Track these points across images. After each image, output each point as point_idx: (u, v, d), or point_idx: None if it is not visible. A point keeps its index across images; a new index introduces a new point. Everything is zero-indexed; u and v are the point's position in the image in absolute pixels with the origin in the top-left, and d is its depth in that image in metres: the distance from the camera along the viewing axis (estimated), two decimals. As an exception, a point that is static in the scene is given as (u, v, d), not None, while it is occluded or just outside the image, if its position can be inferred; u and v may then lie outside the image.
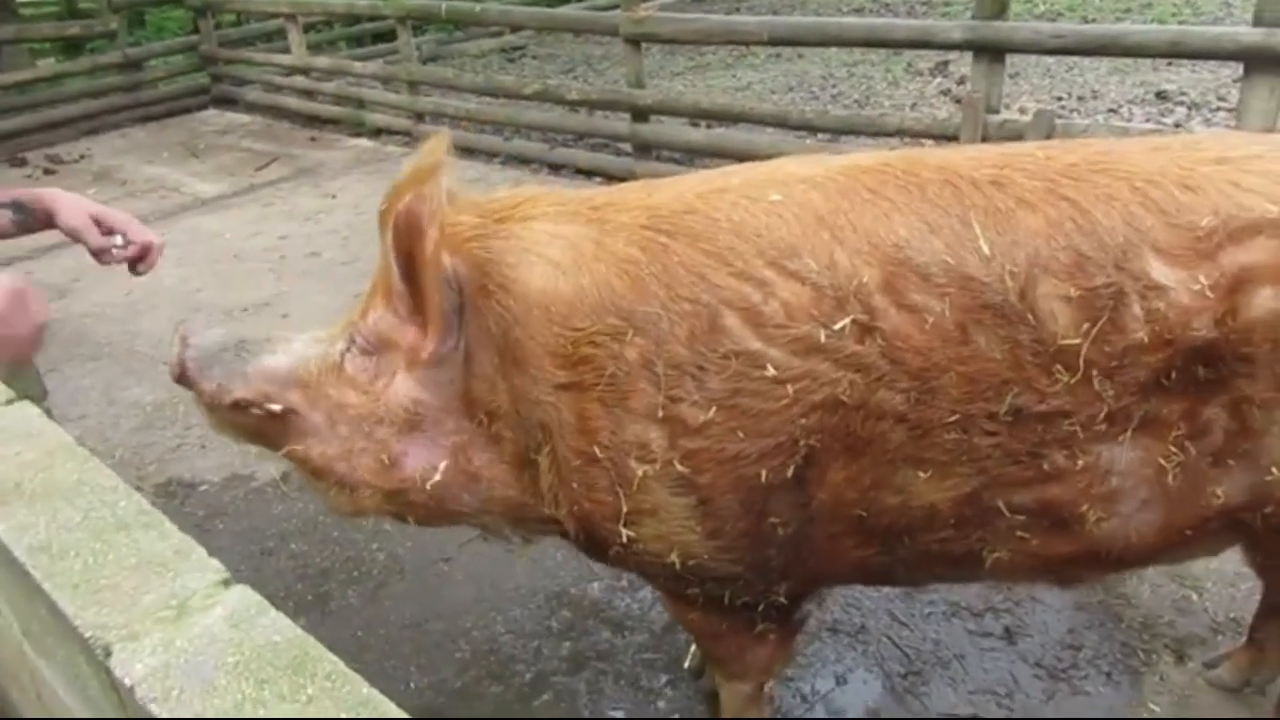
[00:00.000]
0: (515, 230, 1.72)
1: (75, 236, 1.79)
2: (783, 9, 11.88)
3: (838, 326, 1.55)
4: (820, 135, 6.08)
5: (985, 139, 4.84)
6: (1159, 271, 1.52)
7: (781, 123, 5.99)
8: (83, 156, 8.53)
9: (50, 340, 1.95)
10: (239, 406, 1.78)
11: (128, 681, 0.79)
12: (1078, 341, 1.53)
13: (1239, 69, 4.33)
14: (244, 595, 0.88)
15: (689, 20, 6.04)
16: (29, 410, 1.26)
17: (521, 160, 7.29)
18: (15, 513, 1.03)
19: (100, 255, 1.81)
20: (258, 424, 1.80)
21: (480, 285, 1.69)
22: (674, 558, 1.74)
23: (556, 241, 1.70)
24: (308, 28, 9.77)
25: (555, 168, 7.07)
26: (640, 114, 6.47)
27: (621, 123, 6.65)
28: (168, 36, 11.14)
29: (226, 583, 0.91)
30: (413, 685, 2.59)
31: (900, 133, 5.54)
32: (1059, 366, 1.54)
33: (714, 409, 1.59)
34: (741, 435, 1.60)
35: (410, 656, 2.69)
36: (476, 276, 1.69)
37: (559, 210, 1.76)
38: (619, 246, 1.66)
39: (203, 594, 0.90)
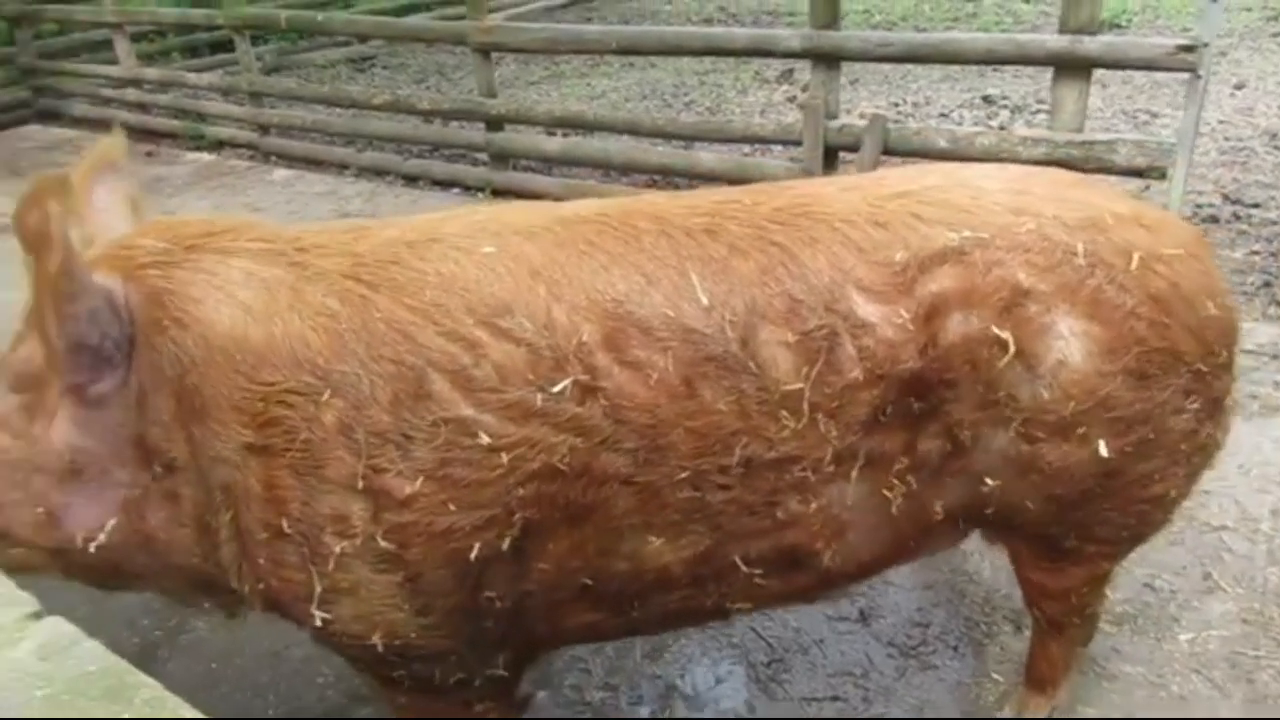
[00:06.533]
0: (207, 263, 1.57)
1: None
2: (633, 19, 12.04)
3: (556, 389, 1.48)
4: (674, 142, 6.19)
5: (826, 143, 5.04)
6: (864, 309, 1.56)
7: (634, 130, 6.09)
8: (-114, 177, 7.87)
9: None
10: None
11: (-76, 724, 0.74)
12: (800, 386, 1.53)
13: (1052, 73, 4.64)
14: (56, 626, 0.85)
15: (537, 30, 6.06)
16: None
17: (376, 172, 7.14)
18: None
19: None
20: None
21: (154, 318, 1.53)
22: (376, 639, 1.60)
23: (251, 282, 1.55)
24: (138, 37, 9.30)
25: (410, 179, 6.96)
26: (494, 123, 6.44)
27: (477, 133, 6.61)
28: (-19, 47, 10.39)
29: (37, 615, 0.88)
30: (270, 713, 2.50)
31: (746, 138, 5.71)
32: (784, 412, 1.54)
33: (421, 480, 1.48)
34: (453, 508, 1.50)
35: (268, 686, 2.59)
36: (151, 308, 1.53)
37: (262, 247, 1.61)
38: (316, 297, 1.53)
39: (11, 628, 0.85)
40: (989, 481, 1.69)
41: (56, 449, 1.56)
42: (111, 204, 1.75)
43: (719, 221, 1.62)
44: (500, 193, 6.42)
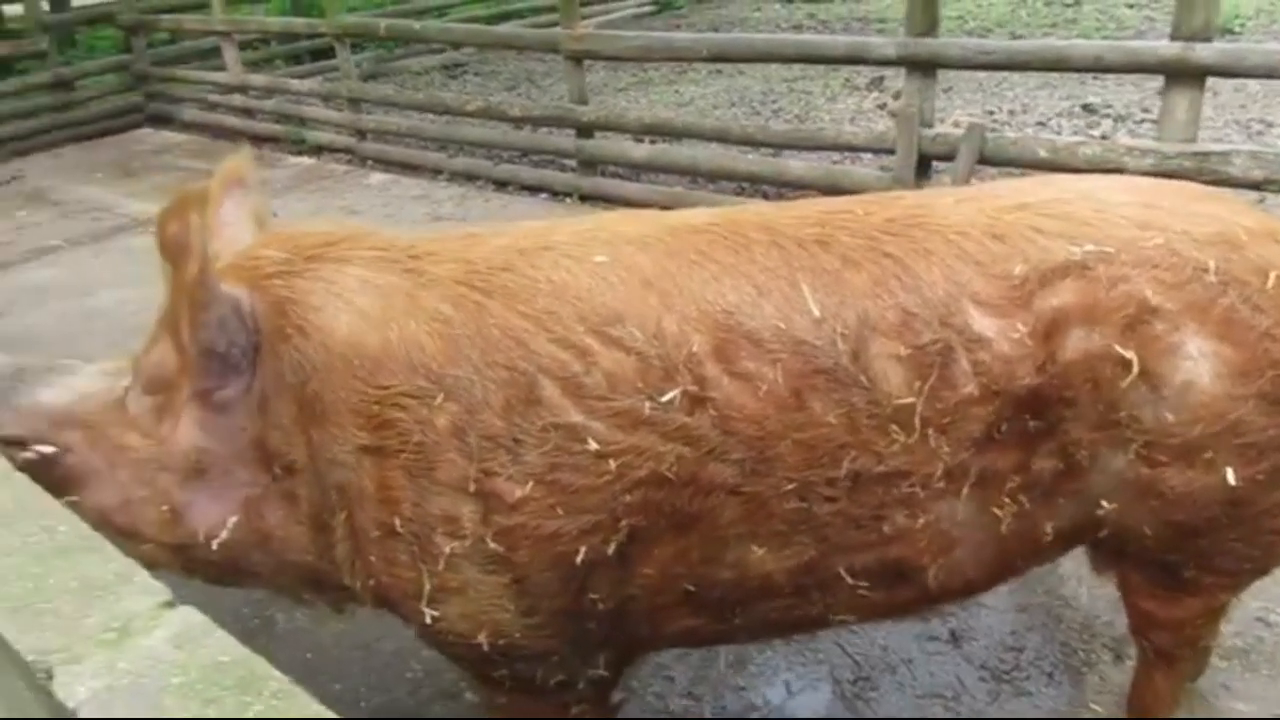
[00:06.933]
0: (325, 271, 1.62)
1: None
2: (723, 26, 12.02)
3: (665, 398, 1.49)
4: (762, 150, 6.16)
5: (920, 152, 4.96)
6: (980, 323, 1.53)
7: (723, 138, 6.07)
8: (14, 178, 8.33)
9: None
10: (6, 443, 1.61)
11: (70, 704, 0.78)
12: (911, 400, 1.51)
13: (1161, 81, 4.48)
14: (188, 616, 0.88)
15: (629, 37, 6.10)
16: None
17: (467, 177, 7.27)
18: (-50, 540, 1.01)
19: None
20: (26, 466, 1.56)
21: (278, 326, 1.58)
22: (482, 637, 1.62)
23: (368, 289, 1.59)
24: (244, 45, 9.66)
25: (500, 184, 7.07)
26: (584, 130, 6.50)
27: (566, 139, 6.68)
28: (100, 55, 10.92)
29: (170, 604, 0.91)
30: (363, 705, 2.55)
31: (837, 147, 5.65)
32: (895, 427, 1.52)
33: (531, 484, 1.50)
34: (561, 512, 1.51)
35: (361, 677, 2.65)
36: (274, 316, 1.58)
37: (378, 255, 1.66)
38: (431, 303, 1.57)
39: (146, 616, 0.89)
40: (1105, 504, 1.64)
41: (182, 449, 1.61)
42: (238, 218, 1.82)
43: (831, 232, 1.60)
44: (587, 198, 6.48)
